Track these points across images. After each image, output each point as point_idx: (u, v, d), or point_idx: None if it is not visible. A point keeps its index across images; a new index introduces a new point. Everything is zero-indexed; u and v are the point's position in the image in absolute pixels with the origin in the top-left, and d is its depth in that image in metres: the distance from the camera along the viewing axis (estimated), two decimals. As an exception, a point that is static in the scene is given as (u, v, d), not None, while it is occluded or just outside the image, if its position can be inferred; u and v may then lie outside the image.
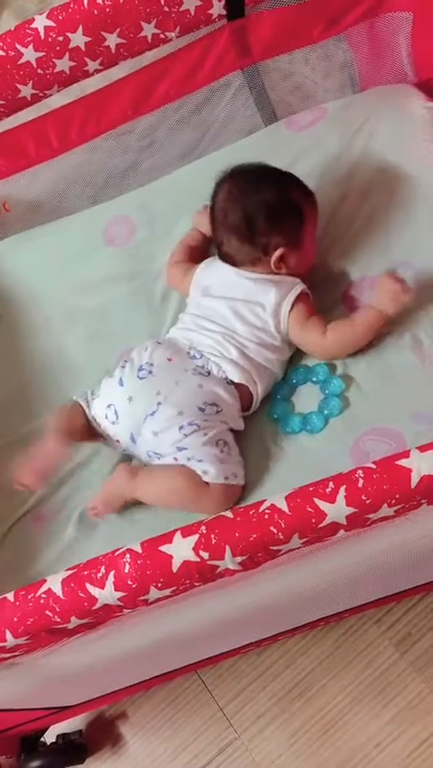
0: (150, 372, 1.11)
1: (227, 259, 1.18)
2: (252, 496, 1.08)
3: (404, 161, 1.26)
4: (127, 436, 1.10)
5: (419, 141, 1.26)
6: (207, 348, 1.13)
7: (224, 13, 1.14)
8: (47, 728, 1.27)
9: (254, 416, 1.15)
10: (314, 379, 1.15)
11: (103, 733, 1.30)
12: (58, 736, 1.27)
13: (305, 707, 1.25)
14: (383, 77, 1.34)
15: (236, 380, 1.11)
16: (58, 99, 1.22)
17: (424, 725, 1.19)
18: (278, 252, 1.13)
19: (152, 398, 1.08)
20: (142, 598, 0.71)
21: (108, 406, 1.11)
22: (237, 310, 1.14)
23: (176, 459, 1.07)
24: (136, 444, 1.10)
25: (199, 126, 1.36)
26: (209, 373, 1.12)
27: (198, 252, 1.28)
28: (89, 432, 1.15)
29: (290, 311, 1.13)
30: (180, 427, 1.06)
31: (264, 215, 1.13)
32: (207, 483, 1.05)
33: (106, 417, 1.12)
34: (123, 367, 1.14)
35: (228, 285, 1.17)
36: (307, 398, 1.14)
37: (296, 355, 1.18)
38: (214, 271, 1.20)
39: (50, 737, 1.27)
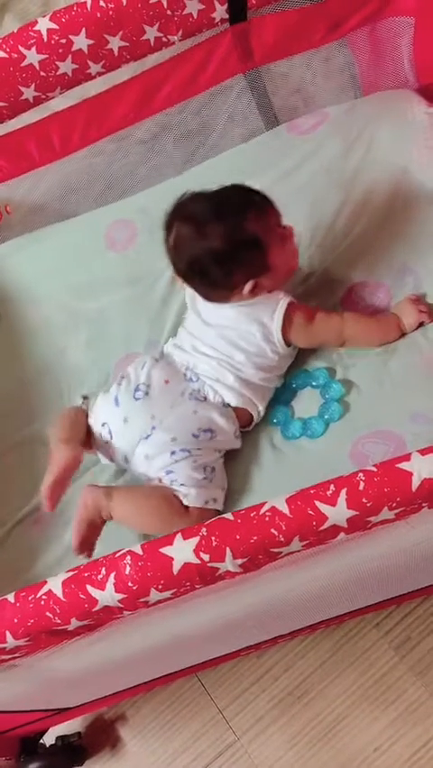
0: (146, 394, 1.09)
1: (203, 296, 1.12)
2: (252, 499, 1.08)
3: (405, 166, 1.26)
4: (121, 457, 1.10)
5: (420, 146, 1.27)
6: (203, 371, 1.12)
7: (226, 16, 1.15)
8: (46, 730, 1.27)
9: (256, 424, 1.15)
10: (314, 383, 1.15)
11: (102, 735, 1.30)
12: (57, 738, 1.27)
13: (304, 710, 1.24)
14: (385, 82, 1.35)
15: (233, 404, 1.10)
16: (60, 102, 1.22)
17: (424, 728, 1.19)
18: (248, 286, 1.06)
19: (146, 422, 1.07)
20: (142, 600, 0.71)
21: (103, 424, 1.11)
22: (230, 339, 1.11)
23: (160, 480, 1.07)
24: (129, 465, 1.10)
25: (201, 130, 1.37)
26: (205, 398, 1.10)
27: None
28: (89, 439, 1.14)
29: (282, 324, 1.09)
30: (172, 453, 1.06)
31: (216, 264, 1.04)
32: (185, 506, 1.05)
33: (101, 436, 1.11)
34: (119, 384, 1.12)
35: (215, 312, 1.13)
36: (307, 403, 1.14)
37: (296, 360, 1.18)
38: (199, 303, 1.15)
39: (49, 739, 1.27)
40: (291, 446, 1.11)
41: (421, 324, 1.11)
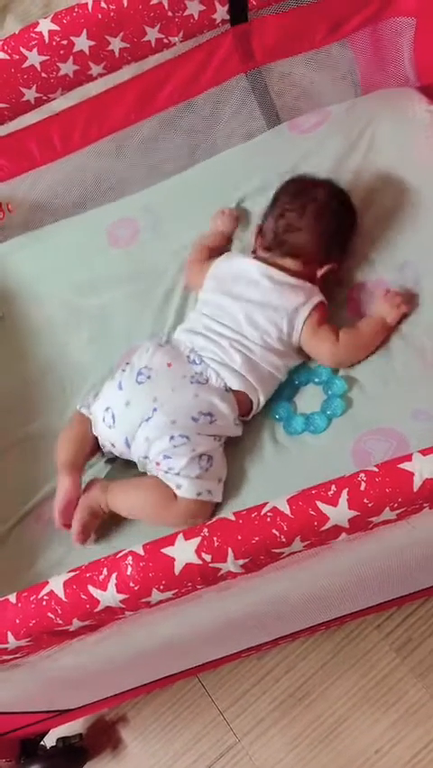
0: (148, 377, 1.11)
1: (286, 246, 1.17)
2: (254, 495, 1.08)
3: (407, 164, 1.27)
4: (122, 441, 1.10)
5: (421, 144, 1.27)
6: (208, 353, 1.13)
7: (227, 17, 1.15)
8: (47, 732, 1.27)
9: (257, 417, 1.15)
10: (316, 379, 1.15)
11: (103, 736, 1.30)
12: (58, 740, 1.26)
13: (305, 712, 1.24)
14: (386, 82, 1.35)
15: (235, 388, 1.11)
16: (61, 103, 1.22)
17: (425, 730, 1.19)
18: (331, 265, 1.17)
19: (148, 404, 1.08)
20: (144, 600, 0.70)
21: (106, 409, 1.12)
22: (250, 314, 1.13)
23: (158, 464, 1.07)
24: (130, 450, 1.10)
25: (203, 129, 1.37)
26: (207, 381, 1.11)
27: (216, 253, 1.27)
28: (96, 446, 1.16)
29: (306, 318, 1.13)
30: (171, 437, 1.06)
31: (353, 228, 1.21)
32: (175, 496, 1.05)
33: (104, 420, 1.12)
34: (123, 370, 1.14)
35: (246, 283, 1.16)
36: (309, 399, 1.14)
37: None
38: (235, 265, 1.20)
39: (50, 741, 1.26)
40: (294, 441, 1.11)
41: (405, 316, 1.14)
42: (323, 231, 1.16)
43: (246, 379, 1.11)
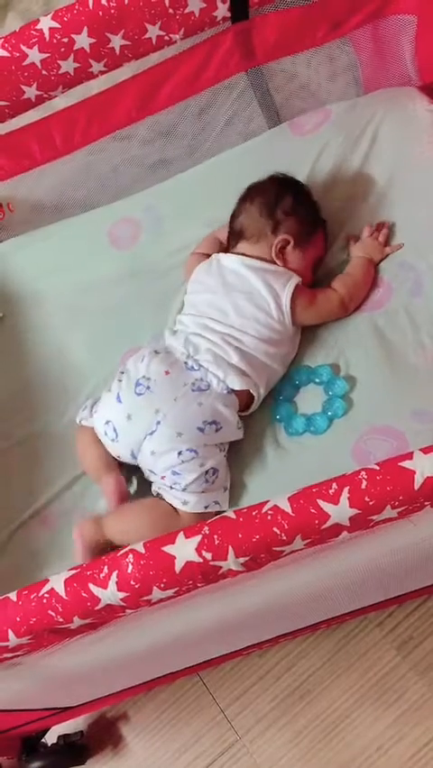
0: (147, 388, 1.09)
1: (236, 233, 1.21)
2: (254, 495, 1.08)
3: (408, 164, 1.26)
4: (128, 453, 1.10)
5: (423, 144, 1.27)
6: (204, 356, 1.12)
7: (228, 15, 1.14)
8: (48, 729, 1.27)
9: (258, 418, 1.15)
10: (317, 380, 1.15)
11: (104, 734, 1.30)
12: (59, 737, 1.27)
13: (306, 709, 1.24)
14: (387, 80, 1.34)
15: (237, 388, 1.10)
16: (62, 101, 1.22)
17: (426, 728, 1.19)
18: (282, 237, 1.17)
19: (150, 417, 1.07)
20: (144, 598, 0.70)
21: (107, 422, 1.11)
22: (236, 304, 1.14)
23: (163, 478, 1.07)
24: (137, 460, 1.10)
25: (203, 128, 1.36)
26: (209, 387, 1.10)
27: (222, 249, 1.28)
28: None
29: (291, 300, 1.14)
30: (179, 453, 1.05)
31: (295, 200, 1.20)
32: (175, 510, 1.05)
33: (106, 435, 1.11)
34: (120, 381, 1.13)
35: (227, 275, 1.18)
36: (310, 399, 1.14)
37: (299, 356, 1.18)
38: (214, 263, 1.21)
39: (51, 738, 1.27)
40: (294, 442, 1.11)
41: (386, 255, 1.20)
42: (258, 207, 1.19)
43: (246, 375, 1.11)
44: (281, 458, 1.11)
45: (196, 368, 1.11)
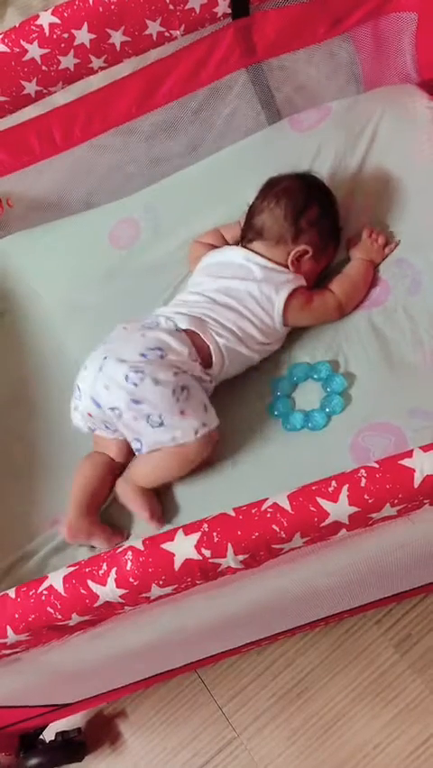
0: (104, 343, 1.13)
1: (254, 230, 1.19)
2: (252, 492, 1.07)
3: (408, 161, 1.26)
4: (90, 402, 1.09)
5: (422, 141, 1.26)
6: (164, 312, 1.15)
7: (229, 11, 1.14)
8: (46, 726, 1.27)
9: (255, 413, 1.15)
10: (315, 376, 1.15)
11: (102, 731, 1.30)
12: (57, 734, 1.27)
13: (304, 706, 1.24)
14: (387, 77, 1.34)
15: (184, 327, 1.11)
16: (62, 96, 1.22)
17: (424, 725, 1.19)
18: (302, 247, 1.17)
19: (99, 359, 1.10)
20: (143, 595, 0.70)
21: (77, 388, 1.13)
22: (227, 287, 1.15)
23: (135, 417, 1.05)
24: (101, 408, 1.09)
25: (203, 124, 1.36)
26: (157, 325, 1.12)
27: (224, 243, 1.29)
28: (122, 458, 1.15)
29: (286, 302, 1.14)
30: (126, 377, 1.05)
31: (321, 210, 1.19)
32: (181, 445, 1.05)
33: (78, 399, 1.12)
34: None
35: (231, 268, 1.18)
36: (308, 395, 1.14)
37: (297, 351, 1.18)
38: (221, 254, 1.22)
39: (49, 735, 1.27)
40: (292, 438, 1.11)
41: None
42: (284, 210, 1.17)
43: (197, 318, 1.12)
44: (279, 454, 1.10)
45: (150, 319, 1.15)
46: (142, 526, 1.10)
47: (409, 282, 1.17)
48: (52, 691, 1.07)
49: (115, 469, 1.14)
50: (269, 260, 1.18)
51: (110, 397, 1.07)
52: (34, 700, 1.07)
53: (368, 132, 1.31)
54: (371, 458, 1.01)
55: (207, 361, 1.12)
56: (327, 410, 1.11)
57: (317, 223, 1.18)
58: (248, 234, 1.21)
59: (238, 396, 1.17)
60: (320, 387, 1.14)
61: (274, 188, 1.20)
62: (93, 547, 1.10)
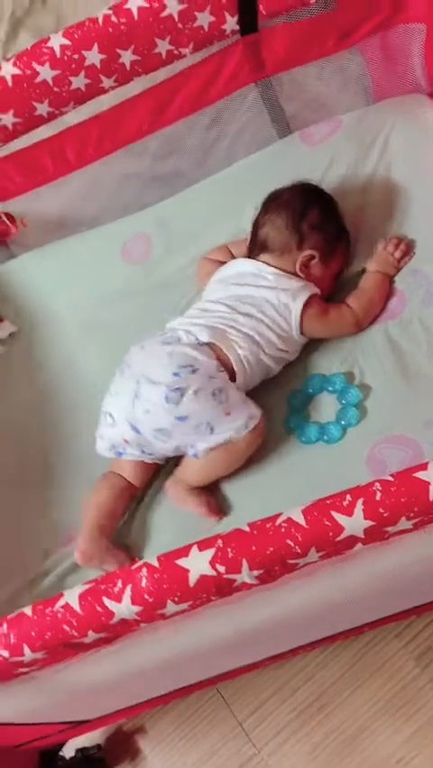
0: (128, 366, 1.13)
1: (259, 244, 1.20)
2: (268, 505, 1.06)
3: (419, 172, 1.26)
4: (129, 428, 1.10)
5: (432, 149, 1.26)
6: (181, 324, 1.16)
7: (237, 28, 1.15)
8: (66, 742, 1.26)
9: (270, 426, 1.14)
10: (330, 388, 1.14)
11: (122, 747, 1.30)
12: (77, 751, 1.26)
13: (325, 721, 1.23)
14: (397, 88, 1.34)
15: (205, 340, 1.11)
16: (74, 116, 1.23)
17: (447, 741, 1.18)
18: (308, 252, 1.17)
19: (132, 384, 1.10)
20: (159, 612, 0.70)
21: (107, 416, 1.13)
22: (246, 300, 1.16)
23: (185, 432, 1.07)
24: (141, 434, 1.09)
25: (214, 140, 1.37)
26: (179, 339, 1.13)
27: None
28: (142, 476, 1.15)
29: (301, 312, 1.14)
30: (166, 398, 1.06)
31: (321, 213, 1.19)
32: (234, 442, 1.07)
33: (110, 426, 1.12)
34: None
35: (245, 278, 1.19)
36: (323, 408, 1.14)
37: (312, 363, 1.18)
38: (233, 266, 1.23)
39: (68, 752, 1.26)
40: (307, 451, 1.11)
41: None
42: (284, 219, 1.19)
43: (217, 329, 1.12)
44: (294, 467, 1.10)
45: (168, 333, 1.15)
46: (155, 545, 1.10)
47: (424, 293, 1.16)
48: (71, 708, 1.07)
49: (131, 492, 1.14)
50: (278, 269, 1.18)
51: (154, 420, 1.07)
52: (53, 717, 1.07)
53: (379, 144, 1.31)
54: (387, 471, 1.00)
55: (231, 374, 1.13)
56: (343, 423, 1.10)
57: (319, 225, 1.18)
58: (254, 249, 1.22)
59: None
60: (336, 399, 1.14)
61: (274, 201, 1.22)
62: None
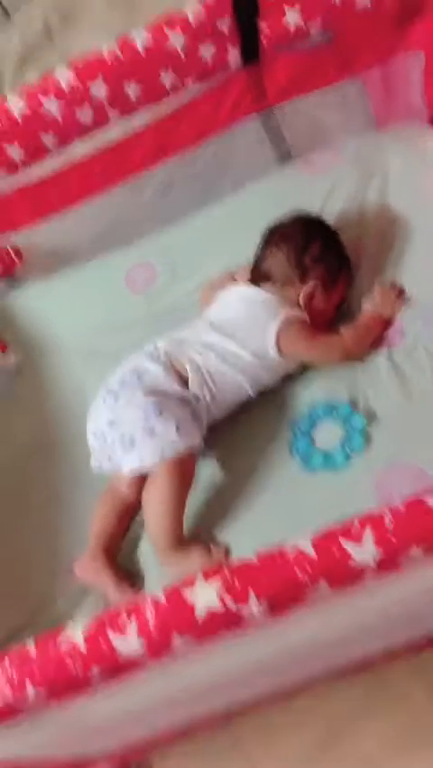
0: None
1: (261, 275, 1.21)
2: (272, 534, 1.04)
3: (420, 200, 1.27)
4: (90, 436, 1.12)
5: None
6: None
7: (240, 58, 1.16)
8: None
9: (273, 452, 1.14)
10: (335, 414, 1.13)
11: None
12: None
13: (334, 762, 1.19)
14: (399, 116, 1.35)
15: (161, 346, 1.14)
16: (80, 148, 1.24)
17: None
18: (311, 285, 1.18)
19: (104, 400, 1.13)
20: (165, 649, 0.68)
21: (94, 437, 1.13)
22: (224, 318, 1.17)
23: (113, 440, 1.07)
24: (96, 438, 1.11)
25: (217, 169, 1.38)
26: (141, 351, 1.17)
27: None
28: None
29: (279, 330, 1.13)
30: (104, 400, 1.11)
31: (323, 246, 1.20)
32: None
33: (96, 449, 1.13)
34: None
35: (234, 296, 1.20)
36: (328, 434, 1.12)
37: (316, 389, 1.17)
38: (227, 291, 1.23)
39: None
40: (312, 478, 1.09)
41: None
42: (286, 254, 1.19)
43: (177, 339, 1.15)
44: (299, 494, 1.08)
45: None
46: (156, 574, 1.08)
47: (423, 323, 1.16)
48: (72, 744, 1.04)
49: (130, 507, 1.12)
50: (277, 296, 1.18)
51: (96, 423, 1.11)
52: (54, 751, 1.04)
53: (380, 173, 1.32)
54: (396, 497, 0.98)
55: (183, 379, 1.12)
56: (348, 449, 1.09)
57: (320, 258, 1.19)
58: (257, 279, 1.22)
59: (256, 434, 1.16)
60: (340, 425, 1.12)
61: (275, 234, 1.22)
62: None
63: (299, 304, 1.18)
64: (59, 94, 1.11)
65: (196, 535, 1.09)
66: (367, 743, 1.18)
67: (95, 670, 0.69)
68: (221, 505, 1.10)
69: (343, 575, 0.66)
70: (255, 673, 0.92)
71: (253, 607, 0.66)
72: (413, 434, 1.06)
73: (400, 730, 1.18)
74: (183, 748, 1.24)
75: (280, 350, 1.14)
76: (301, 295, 1.18)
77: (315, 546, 0.66)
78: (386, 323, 1.18)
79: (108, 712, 0.88)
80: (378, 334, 1.17)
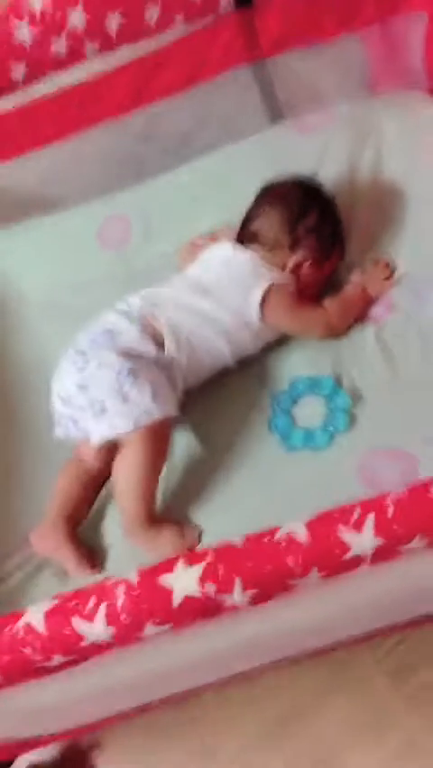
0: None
1: (249, 234, 1.15)
2: (251, 517, 1.00)
3: (414, 167, 1.23)
4: (56, 399, 1.05)
5: (429, 148, 1.24)
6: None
7: (232, 1, 1.11)
8: (15, 758, 1.18)
9: (252, 428, 1.08)
10: (318, 390, 1.08)
11: (77, 764, 1.22)
12: (29, 766, 1.18)
13: (295, 740, 1.17)
14: (396, 81, 1.31)
15: (137, 305, 1.08)
16: (51, 85, 1.16)
17: (421, 765, 1.12)
18: (301, 255, 1.13)
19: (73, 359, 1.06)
20: (136, 634, 0.63)
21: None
22: (205, 279, 1.11)
23: (82, 406, 1.01)
24: (63, 402, 1.04)
25: (201, 122, 1.31)
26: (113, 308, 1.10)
27: None
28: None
29: (264, 296, 1.08)
30: (74, 362, 1.03)
31: (320, 217, 1.14)
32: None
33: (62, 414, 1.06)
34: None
35: (222, 260, 1.14)
36: (310, 411, 1.08)
37: (298, 362, 1.13)
38: (216, 248, 1.17)
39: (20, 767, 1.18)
40: (292, 458, 1.04)
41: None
42: (279, 217, 1.14)
43: (154, 299, 1.09)
44: (278, 475, 1.03)
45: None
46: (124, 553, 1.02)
47: (414, 296, 1.12)
48: (22, 724, 0.99)
49: (97, 477, 1.06)
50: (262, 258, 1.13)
51: (63, 385, 1.03)
52: (6, 733, 0.99)
53: (374, 138, 1.28)
54: (379, 482, 0.95)
55: (159, 341, 1.06)
56: (331, 429, 1.04)
57: (315, 229, 1.14)
58: (244, 238, 1.16)
59: (234, 407, 1.10)
60: (323, 403, 1.07)
61: (270, 194, 1.16)
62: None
63: (285, 271, 1.13)
64: (33, 20, 1.02)
65: (167, 512, 1.03)
66: (325, 726, 1.17)
67: (56, 659, 0.63)
68: (195, 480, 1.05)
69: (337, 565, 0.61)
70: (226, 659, 0.88)
71: (237, 596, 0.61)
72: (399, 416, 1.03)
73: (361, 710, 1.17)
74: (134, 725, 1.21)
75: (263, 315, 1.09)
76: (290, 263, 1.13)
77: (310, 532, 0.60)
78: (371, 299, 1.14)
79: (63, 695, 0.83)
80: (362, 310, 1.13)
